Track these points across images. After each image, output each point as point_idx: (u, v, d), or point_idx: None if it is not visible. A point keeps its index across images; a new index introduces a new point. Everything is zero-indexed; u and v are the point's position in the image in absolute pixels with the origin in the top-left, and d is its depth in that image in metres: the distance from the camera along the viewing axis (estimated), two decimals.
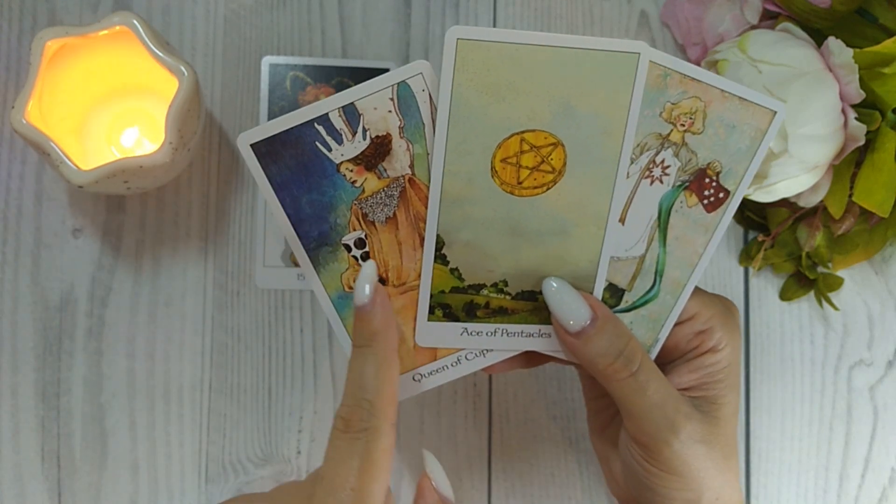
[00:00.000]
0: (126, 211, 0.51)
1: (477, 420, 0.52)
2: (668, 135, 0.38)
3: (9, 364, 0.50)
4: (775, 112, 0.38)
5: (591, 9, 0.54)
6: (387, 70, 0.52)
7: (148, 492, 0.50)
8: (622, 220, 0.39)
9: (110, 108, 0.50)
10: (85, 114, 0.49)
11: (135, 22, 0.44)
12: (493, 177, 0.37)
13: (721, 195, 0.39)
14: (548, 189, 0.37)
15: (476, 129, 0.36)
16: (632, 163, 0.38)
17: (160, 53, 0.44)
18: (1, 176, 0.51)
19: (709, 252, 0.39)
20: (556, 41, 0.35)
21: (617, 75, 0.36)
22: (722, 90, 0.37)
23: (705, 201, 0.39)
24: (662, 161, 0.38)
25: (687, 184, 0.39)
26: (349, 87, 0.53)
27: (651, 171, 0.38)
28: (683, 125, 0.38)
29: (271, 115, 0.51)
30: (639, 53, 0.36)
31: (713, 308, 0.40)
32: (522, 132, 0.36)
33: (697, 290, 0.40)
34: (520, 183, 0.37)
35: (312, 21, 0.53)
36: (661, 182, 0.38)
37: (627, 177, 0.38)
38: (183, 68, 0.44)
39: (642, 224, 0.39)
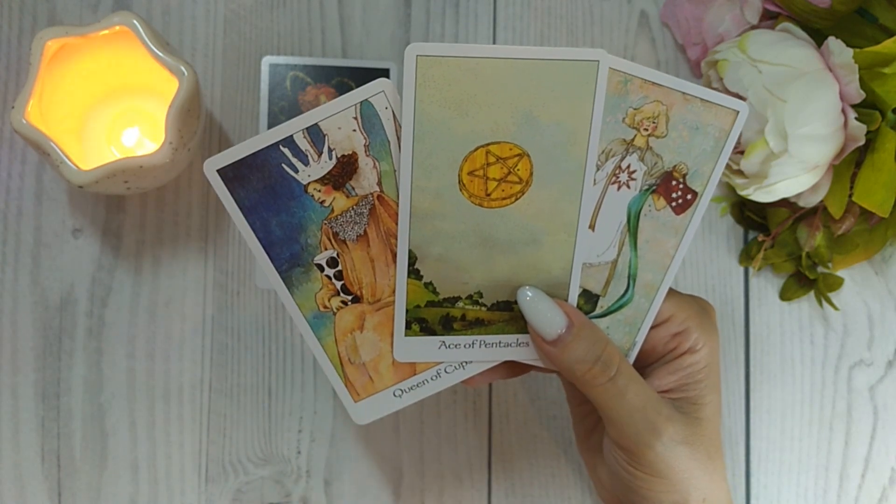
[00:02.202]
0: (126, 211, 0.51)
1: (477, 420, 0.52)
2: (633, 140, 0.38)
3: (9, 364, 0.50)
4: (738, 112, 0.38)
5: (591, 9, 0.54)
6: (387, 70, 0.52)
7: (148, 492, 0.50)
8: (592, 227, 0.39)
9: (110, 108, 0.50)
10: (85, 114, 0.49)
11: (135, 22, 0.44)
12: (461, 190, 0.37)
13: (689, 196, 0.39)
14: (516, 199, 0.37)
15: (441, 143, 0.36)
16: (598, 169, 0.38)
17: (160, 53, 0.44)
18: (1, 176, 0.51)
19: (680, 254, 0.39)
20: (515, 53, 0.35)
21: (577, 84, 0.36)
22: (683, 93, 0.37)
23: (673, 203, 0.39)
24: (628, 166, 0.38)
25: (654, 187, 0.38)
26: (349, 87, 0.53)
27: (618, 177, 0.38)
28: (647, 129, 0.38)
29: (271, 115, 0.51)
30: (598, 61, 0.36)
31: (689, 309, 0.40)
32: (487, 144, 0.36)
33: (672, 291, 0.40)
34: (488, 195, 0.37)
35: (312, 21, 0.53)
36: (629, 187, 0.38)
37: (594, 183, 0.38)
38: (183, 68, 0.44)
39: (612, 229, 0.39)
